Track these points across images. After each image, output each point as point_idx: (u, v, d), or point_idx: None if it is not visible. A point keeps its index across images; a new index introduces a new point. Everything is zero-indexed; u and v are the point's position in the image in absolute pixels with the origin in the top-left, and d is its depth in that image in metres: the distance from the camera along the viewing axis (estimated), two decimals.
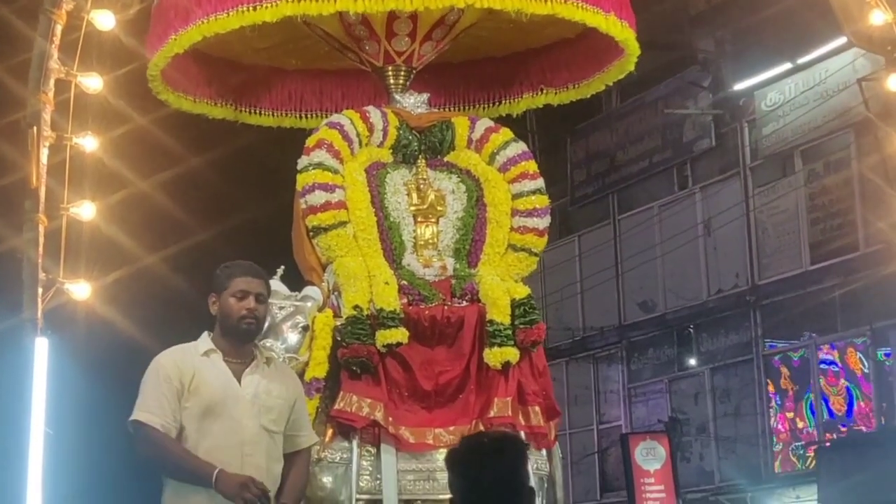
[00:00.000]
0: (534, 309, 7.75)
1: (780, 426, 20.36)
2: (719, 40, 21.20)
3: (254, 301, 5.85)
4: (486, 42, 8.83)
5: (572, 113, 19.17)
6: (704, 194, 22.00)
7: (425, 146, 8.28)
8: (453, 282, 7.87)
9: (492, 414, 7.57)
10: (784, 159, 20.64)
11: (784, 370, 20.23)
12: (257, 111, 9.09)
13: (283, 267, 7.71)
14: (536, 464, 7.70)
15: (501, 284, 7.80)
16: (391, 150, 8.23)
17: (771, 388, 20.46)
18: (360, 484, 7.42)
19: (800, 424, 20.03)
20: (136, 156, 9.79)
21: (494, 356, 7.60)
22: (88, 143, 9.10)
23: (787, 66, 20.13)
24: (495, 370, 7.63)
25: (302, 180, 7.88)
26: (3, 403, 8.56)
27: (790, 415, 20.13)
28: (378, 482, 7.44)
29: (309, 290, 7.74)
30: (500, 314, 7.64)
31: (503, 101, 9.12)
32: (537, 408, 7.75)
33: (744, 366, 21.13)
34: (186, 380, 5.70)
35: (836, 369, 19.34)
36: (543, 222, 8.11)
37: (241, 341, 5.89)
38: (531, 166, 8.18)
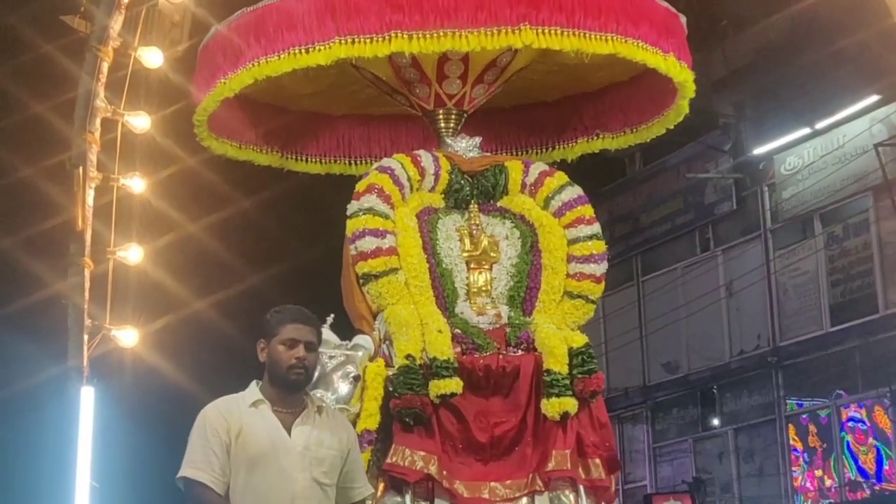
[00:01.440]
0: (592, 358, 7.22)
1: (808, 484, 19.76)
2: (739, 105, 20.91)
3: (304, 350, 5.35)
4: (537, 86, 8.38)
5: (596, 175, 18.87)
6: (726, 256, 21.66)
7: (478, 191, 7.80)
8: (508, 330, 7.37)
9: (550, 467, 7.06)
10: (804, 222, 20.30)
11: (812, 428, 19.67)
12: (304, 158, 8.62)
13: (332, 315, 7.17)
14: None
15: (558, 333, 7.28)
16: (443, 195, 7.74)
17: (800, 446, 19.92)
18: None
19: (827, 483, 19.45)
20: (184, 197, 9.24)
21: (553, 407, 7.08)
22: (136, 184, 8.58)
23: (806, 130, 19.74)
24: (553, 421, 7.12)
25: (352, 226, 7.39)
26: (48, 455, 7.97)
27: (819, 472, 19.53)
28: None
29: (360, 339, 7.22)
30: (557, 363, 7.12)
31: (556, 147, 8.64)
32: (598, 460, 7.21)
33: (767, 426, 20.69)
34: (234, 432, 5.23)
35: (865, 427, 18.79)
36: (601, 268, 7.59)
37: (291, 391, 5.40)
38: (587, 211, 7.67)
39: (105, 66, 8.42)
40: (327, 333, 7.03)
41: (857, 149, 18.86)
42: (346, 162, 8.69)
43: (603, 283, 7.63)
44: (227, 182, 8.46)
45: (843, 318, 19.34)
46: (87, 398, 8.05)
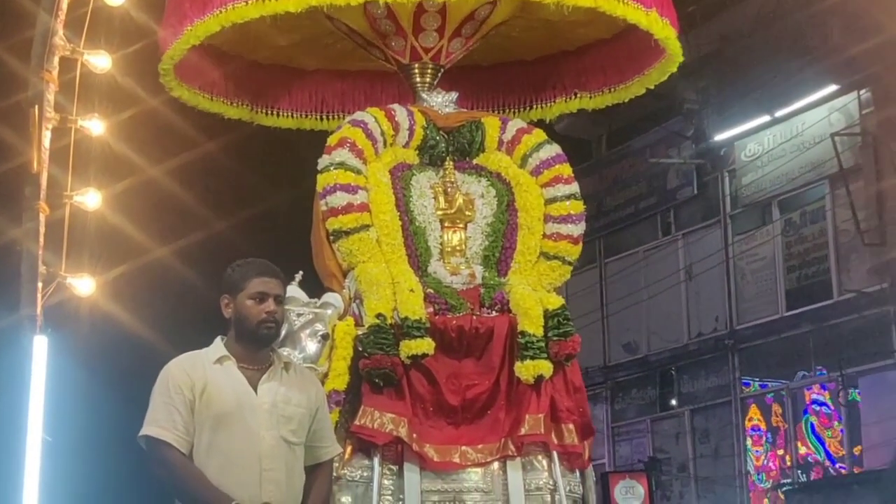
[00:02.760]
0: (568, 320, 6.73)
1: (770, 464, 19.45)
2: (703, 91, 20.56)
3: (273, 303, 4.94)
4: (516, 43, 7.86)
5: None
6: (686, 241, 21.34)
7: (453, 147, 7.27)
8: (482, 291, 6.88)
9: (523, 431, 6.57)
10: (762, 208, 20.04)
11: (776, 408, 19.34)
12: (275, 112, 8.06)
13: (301, 272, 6.66)
14: (570, 486, 6.74)
15: (533, 294, 6.79)
16: (417, 151, 7.22)
17: (763, 426, 19.55)
18: None
19: (789, 462, 19.15)
20: (146, 140, 8.62)
21: (527, 370, 6.58)
22: (94, 126, 7.98)
23: (766, 118, 19.48)
24: (527, 385, 6.62)
25: (323, 181, 6.87)
26: None
27: (780, 452, 19.22)
28: (400, 503, 6.42)
29: (329, 297, 6.73)
30: (532, 325, 6.62)
31: (534, 106, 8.08)
32: (571, 426, 6.73)
33: (723, 407, 20.41)
34: (198, 390, 4.83)
35: (829, 411, 18.46)
36: (578, 229, 7.08)
37: (259, 347, 4.99)
38: (566, 170, 7.16)
39: (65, 3, 7.82)
40: (296, 291, 6.57)
41: (815, 137, 18.63)
42: (319, 117, 8.13)
43: (580, 245, 7.14)
44: (191, 124, 7.90)
45: (798, 303, 19.14)
46: (40, 348, 7.48)
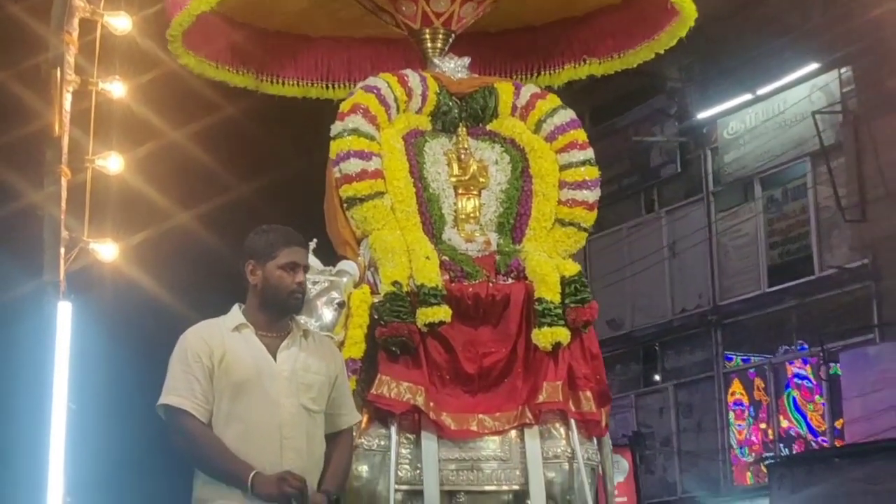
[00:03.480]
0: (585, 287, 6.55)
1: (752, 437, 19.38)
2: (686, 69, 20.42)
3: (303, 274, 4.87)
4: (526, 9, 7.63)
5: None
6: (670, 218, 21.21)
7: (466, 113, 7.05)
8: (497, 258, 6.68)
9: (540, 399, 6.37)
10: (745, 186, 19.95)
11: (759, 382, 19.26)
12: (280, 80, 7.79)
13: (315, 240, 6.43)
14: (587, 454, 6.53)
15: (550, 261, 6.60)
16: (430, 118, 7.00)
17: (746, 400, 19.48)
18: (399, 474, 6.22)
19: (771, 436, 19.10)
20: (168, 103, 8.31)
21: (544, 337, 6.38)
22: (116, 88, 7.70)
23: (748, 96, 19.42)
24: (544, 352, 6.41)
25: (336, 147, 6.65)
26: (22, 375, 7.13)
27: (763, 426, 19.15)
28: (418, 472, 6.23)
29: (344, 265, 6.51)
30: (549, 292, 6.43)
31: (542, 73, 7.83)
32: (589, 393, 6.53)
33: (706, 382, 20.30)
34: (217, 358, 4.68)
35: (811, 385, 18.38)
36: (593, 195, 6.89)
37: (284, 316, 4.86)
38: (580, 135, 6.96)
39: None
40: (310, 258, 6.32)
41: (797, 115, 18.57)
42: (325, 86, 7.88)
43: (595, 211, 6.94)
44: (213, 87, 7.60)
45: (780, 278, 19.09)
46: (65, 314, 7.22)
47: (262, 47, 7.72)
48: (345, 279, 6.40)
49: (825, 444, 18.02)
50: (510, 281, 6.58)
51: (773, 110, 19.12)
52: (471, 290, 6.46)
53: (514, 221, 6.82)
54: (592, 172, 6.90)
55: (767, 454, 18.75)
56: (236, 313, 4.81)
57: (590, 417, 6.50)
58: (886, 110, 17.04)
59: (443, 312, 6.27)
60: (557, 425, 6.47)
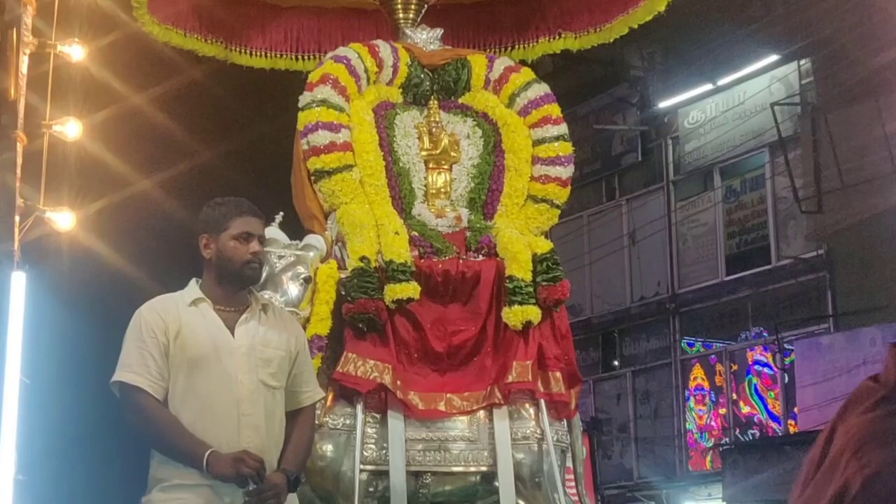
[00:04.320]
0: (557, 265, 6.27)
1: (712, 423, 19.28)
2: (648, 58, 20.25)
3: (258, 244, 4.57)
4: None
5: None
6: (630, 206, 21.08)
7: (438, 86, 6.77)
8: (468, 234, 6.40)
9: (510, 379, 6.10)
10: (704, 175, 19.90)
11: (720, 367, 19.15)
12: (249, 51, 7.46)
13: (281, 213, 6.14)
14: (557, 435, 6.27)
15: (521, 238, 6.33)
16: (401, 90, 6.72)
17: (706, 385, 19.37)
18: (365, 454, 5.94)
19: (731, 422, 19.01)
20: (129, 67, 7.91)
21: (515, 315, 6.12)
22: (75, 51, 7.31)
23: (709, 86, 19.32)
24: (514, 331, 6.15)
25: (304, 118, 6.36)
26: None
27: (723, 411, 19.04)
28: (384, 452, 5.95)
29: (311, 239, 6.20)
30: (520, 270, 6.16)
31: (517, 46, 7.53)
32: (559, 374, 6.26)
33: (663, 369, 20.23)
34: (172, 333, 4.43)
35: (771, 372, 18.29)
36: (567, 171, 6.63)
37: (241, 287, 4.58)
38: (554, 110, 6.69)
39: None
40: (276, 232, 6.06)
41: (757, 106, 18.56)
42: (294, 57, 7.57)
43: (569, 188, 6.69)
44: (175, 50, 7.23)
45: (737, 268, 19.09)
46: (18, 285, 6.84)
47: (231, 15, 7.40)
48: (311, 254, 6.11)
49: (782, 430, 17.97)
50: (481, 258, 6.32)
51: (732, 101, 19.07)
52: (440, 266, 6.20)
53: (485, 197, 6.56)
54: (566, 148, 6.64)
55: (726, 439, 18.66)
56: (193, 287, 4.57)
57: (559, 398, 6.24)
58: (843, 103, 16.97)
59: (411, 289, 6.00)
60: (527, 406, 6.22)
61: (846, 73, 17.00)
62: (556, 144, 6.61)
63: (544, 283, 6.19)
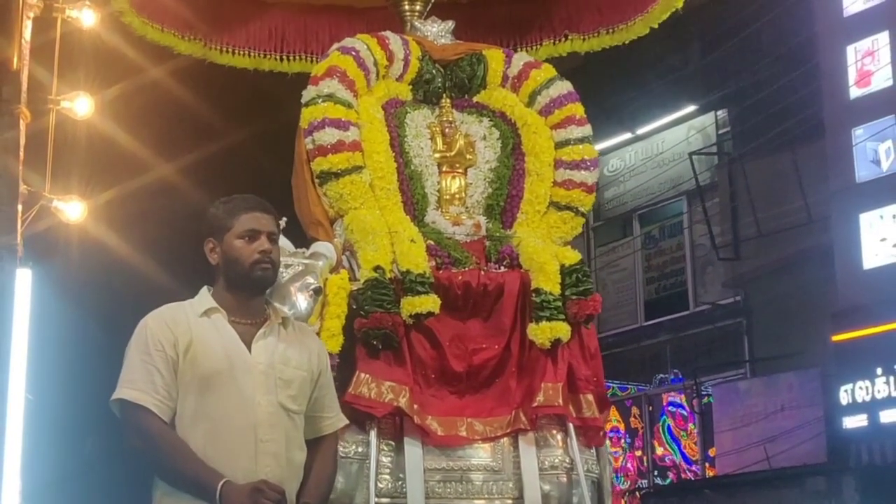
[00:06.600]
0: (587, 277, 5.57)
1: (628, 465, 18.74)
2: None
3: (267, 241, 3.93)
4: None
5: None
6: None
7: (451, 83, 6.05)
8: (487, 243, 5.68)
9: (538, 402, 5.33)
10: (624, 222, 19.97)
11: (635, 409, 18.71)
12: (230, 49, 6.63)
13: (284, 218, 5.27)
14: (587, 465, 5.49)
15: (548, 248, 5.60)
16: (411, 86, 5.97)
17: (622, 427, 18.89)
18: (379, 485, 5.15)
19: (646, 464, 18.66)
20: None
21: (543, 332, 5.36)
22: (86, 16, 6.38)
23: (628, 135, 19.46)
24: (540, 350, 5.39)
25: (309, 115, 5.61)
26: None
27: (639, 453, 18.55)
28: (400, 483, 5.18)
29: (320, 247, 5.42)
30: (548, 282, 5.42)
31: (518, 50, 6.74)
32: (590, 396, 5.51)
33: None
34: (182, 347, 3.82)
35: (685, 413, 17.89)
36: (592, 176, 5.92)
37: (254, 293, 3.92)
38: (579, 110, 5.97)
39: None
40: (282, 239, 5.16)
41: (675, 155, 18.64)
42: (278, 57, 6.78)
43: (594, 194, 5.95)
44: None
45: (656, 313, 19.05)
46: (23, 283, 5.89)
47: (213, 11, 6.58)
48: (320, 262, 5.30)
49: (698, 473, 17.63)
50: (503, 269, 5.56)
51: (652, 150, 19.16)
52: (460, 278, 5.45)
53: (503, 204, 5.84)
54: (591, 151, 5.94)
55: (642, 482, 18.17)
56: (205, 296, 3.91)
57: (592, 423, 5.50)
58: (760, 153, 16.99)
59: (431, 302, 5.25)
60: (554, 432, 5.46)
61: (763, 124, 16.89)
62: (580, 147, 5.91)
63: (574, 297, 5.47)
